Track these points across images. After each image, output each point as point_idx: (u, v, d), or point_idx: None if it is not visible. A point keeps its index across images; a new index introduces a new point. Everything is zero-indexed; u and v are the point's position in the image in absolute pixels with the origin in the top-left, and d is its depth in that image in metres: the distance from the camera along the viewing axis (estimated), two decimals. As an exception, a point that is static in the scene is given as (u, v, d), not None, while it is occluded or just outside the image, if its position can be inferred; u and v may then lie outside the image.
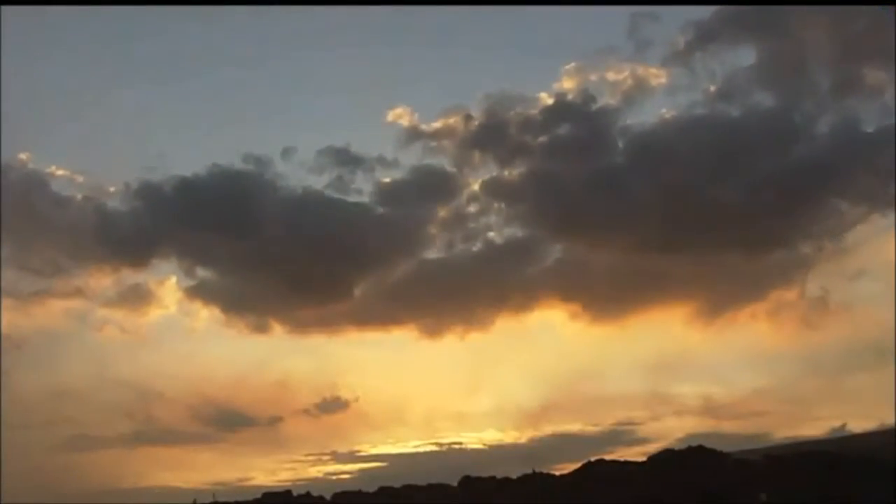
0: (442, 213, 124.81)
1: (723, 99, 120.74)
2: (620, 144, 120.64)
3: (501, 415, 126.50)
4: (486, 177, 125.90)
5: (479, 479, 78.76)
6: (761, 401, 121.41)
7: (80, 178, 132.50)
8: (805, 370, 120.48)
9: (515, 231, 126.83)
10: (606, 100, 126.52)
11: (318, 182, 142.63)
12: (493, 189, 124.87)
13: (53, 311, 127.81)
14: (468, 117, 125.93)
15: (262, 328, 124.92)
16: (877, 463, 64.73)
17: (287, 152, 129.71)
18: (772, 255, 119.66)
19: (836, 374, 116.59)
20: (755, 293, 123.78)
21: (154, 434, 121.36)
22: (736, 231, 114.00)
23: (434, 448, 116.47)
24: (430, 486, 79.38)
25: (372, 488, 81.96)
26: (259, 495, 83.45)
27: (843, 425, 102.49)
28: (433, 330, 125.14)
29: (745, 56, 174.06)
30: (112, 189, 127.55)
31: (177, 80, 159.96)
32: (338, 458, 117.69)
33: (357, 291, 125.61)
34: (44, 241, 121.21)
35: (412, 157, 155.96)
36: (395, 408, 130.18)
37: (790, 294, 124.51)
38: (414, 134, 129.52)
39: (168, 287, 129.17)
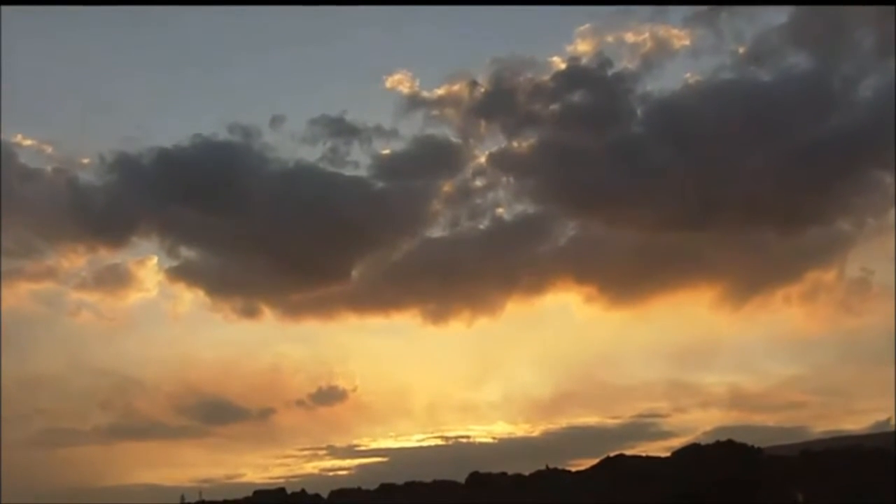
0: (446, 187, 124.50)
1: (752, 61, 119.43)
2: (639, 112, 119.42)
3: (512, 406, 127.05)
4: (494, 148, 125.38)
5: (488, 475, 78.24)
6: (796, 392, 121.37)
7: (49, 149, 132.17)
8: (845, 358, 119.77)
9: (526, 207, 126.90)
10: (624, 64, 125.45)
11: (311, 154, 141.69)
12: (502, 162, 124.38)
13: (23, 295, 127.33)
14: (474, 84, 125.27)
15: (251, 313, 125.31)
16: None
17: (276, 121, 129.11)
18: (807, 233, 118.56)
19: (880, 363, 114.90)
20: (789, 274, 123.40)
21: (134, 428, 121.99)
22: (768, 206, 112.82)
23: (439, 442, 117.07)
24: (435, 484, 78.76)
25: (372, 485, 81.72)
26: (250, 493, 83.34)
27: (888, 419, 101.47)
28: (437, 315, 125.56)
29: (777, 14, 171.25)
30: (85, 161, 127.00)
31: (156, 44, 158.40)
32: (335, 452, 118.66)
33: (355, 273, 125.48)
34: (11, 217, 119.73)
35: (413, 127, 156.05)
36: (397, 399, 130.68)
37: (828, 275, 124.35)
38: (415, 102, 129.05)
39: (148, 268, 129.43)
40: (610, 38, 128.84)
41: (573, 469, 77.98)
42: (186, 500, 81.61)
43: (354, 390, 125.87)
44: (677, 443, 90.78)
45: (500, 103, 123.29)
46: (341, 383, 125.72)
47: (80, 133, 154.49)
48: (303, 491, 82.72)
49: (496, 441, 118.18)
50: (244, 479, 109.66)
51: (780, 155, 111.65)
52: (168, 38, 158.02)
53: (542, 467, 77.54)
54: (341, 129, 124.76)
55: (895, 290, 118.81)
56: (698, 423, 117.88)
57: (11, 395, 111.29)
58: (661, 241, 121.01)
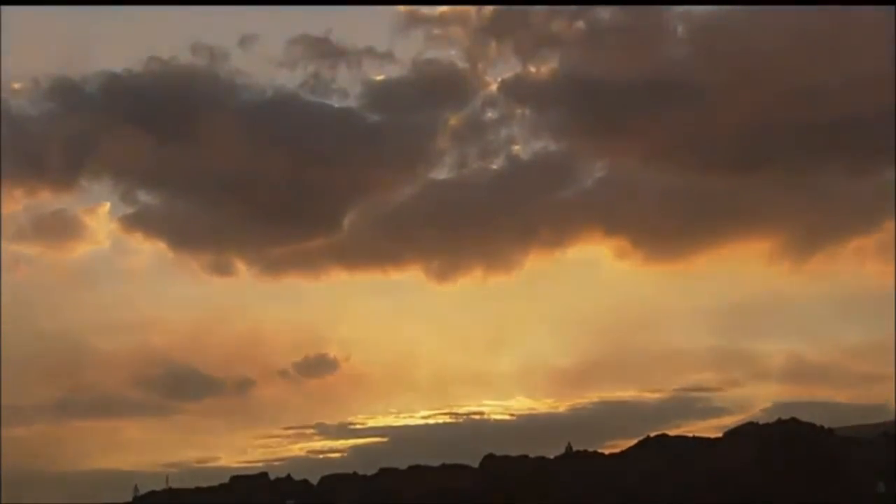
0: (451, 121, 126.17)
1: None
2: (680, 31, 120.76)
3: (532, 378, 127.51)
4: (507, 75, 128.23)
5: (505, 458, 77.77)
6: (873, 363, 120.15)
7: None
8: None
9: (545, 144, 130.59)
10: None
11: (290, 80, 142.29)
12: (516, 90, 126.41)
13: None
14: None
15: (223, 268, 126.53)
16: None
17: (247, 41, 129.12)
18: (884, 175, 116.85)
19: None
20: (863, 223, 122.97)
21: (86, 404, 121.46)
22: (836, 143, 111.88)
23: (448, 419, 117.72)
24: (444, 468, 78.20)
25: (370, 470, 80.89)
26: (226, 479, 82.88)
27: None
28: (444, 271, 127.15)
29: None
30: (16, 86, 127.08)
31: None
32: (325, 432, 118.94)
33: (345, 222, 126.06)
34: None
35: (411, 50, 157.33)
36: (398, 369, 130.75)
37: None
38: (413, 19, 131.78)
39: (99, 215, 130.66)
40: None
41: (606, 451, 77.74)
42: (141, 491, 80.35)
43: (347, 359, 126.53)
44: (730, 421, 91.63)
45: (513, 21, 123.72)
46: (332, 351, 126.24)
47: (10, 52, 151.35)
48: (288, 476, 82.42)
49: (514, 418, 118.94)
50: (219, 464, 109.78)
51: (852, 79, 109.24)
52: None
53: (570, 449, 77.06)
54: (325, 50, 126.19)
55: None
56: (754, 398, 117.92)
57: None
58: (707, 184, 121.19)
